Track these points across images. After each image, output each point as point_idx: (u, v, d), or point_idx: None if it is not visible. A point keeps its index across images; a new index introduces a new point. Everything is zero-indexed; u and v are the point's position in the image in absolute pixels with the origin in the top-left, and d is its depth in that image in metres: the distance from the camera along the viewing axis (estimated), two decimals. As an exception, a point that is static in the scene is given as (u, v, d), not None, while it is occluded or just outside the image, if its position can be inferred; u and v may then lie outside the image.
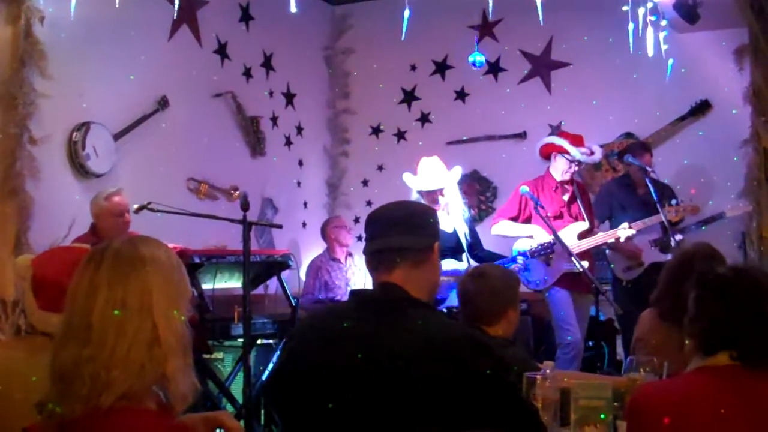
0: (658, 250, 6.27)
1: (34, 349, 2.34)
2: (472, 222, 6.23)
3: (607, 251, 6.50)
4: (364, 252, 2.36)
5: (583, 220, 6.00)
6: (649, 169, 6.18)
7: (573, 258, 5.38)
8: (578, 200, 6.06)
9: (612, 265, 6.56)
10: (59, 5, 5.21)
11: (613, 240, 5.99)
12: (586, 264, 5.74)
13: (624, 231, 5.93)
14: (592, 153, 6.02)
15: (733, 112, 6.68)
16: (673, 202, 5.94)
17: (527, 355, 4.10)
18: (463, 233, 5.85)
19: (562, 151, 5.94)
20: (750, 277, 2.18)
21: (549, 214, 5.80)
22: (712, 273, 2.24)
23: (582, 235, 5.92)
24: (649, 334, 3.57)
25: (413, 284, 2.27)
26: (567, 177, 6.00)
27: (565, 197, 6.06)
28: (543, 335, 6.58)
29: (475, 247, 5.92)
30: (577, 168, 6.04)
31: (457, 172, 5.90)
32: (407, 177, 5.88)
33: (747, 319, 2.12)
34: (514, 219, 6.10)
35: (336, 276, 7.14)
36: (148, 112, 6.17)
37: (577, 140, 6.01)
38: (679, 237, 5.88)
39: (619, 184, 6.75)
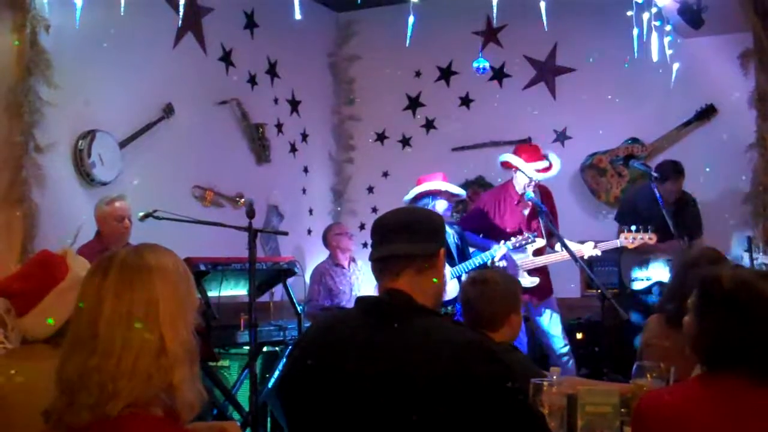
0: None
1: (36, 356, 2.34)
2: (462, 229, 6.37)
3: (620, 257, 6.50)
4: (370, 258, 2.36)
5: (541, 237, 5.99)
6: (655, 174, 6.15)
7: (579, 263, 5.39)
8: (539, 216, 6.03)
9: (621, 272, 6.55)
10: (64, 14, 5.22)
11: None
12: (537, 280, 5.86)
13: (588, 249, 5.90)
14: (550, 166, 5.99)
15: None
16: (633, 228, 5.86)
17: (531, 360, 4.10)
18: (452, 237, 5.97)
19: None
20: (754, 289, 2.10)
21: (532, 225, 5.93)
22: (714, 285, 2.16)
23: (537, 252, 5.94)
24: (655, 339, 3.56)
25: (419, 291, 2.27)
26: (529, 190, 5.97)
27: (526, 212, 6.09)
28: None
29: (464, 252, 6.02)
30: (537, 182, 6.02)
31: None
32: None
33: (752, 338, 2.06)
34: (476, 230, 6.18)
35: (340, 282, 7.14)
36: (153, 120, 6.18)
37: (533, 155, 6.00)
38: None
39: (643, 194, 6.41)
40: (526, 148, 6.16)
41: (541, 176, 5.96)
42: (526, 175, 5.92)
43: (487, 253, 5.91)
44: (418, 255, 2.30)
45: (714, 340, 2.12)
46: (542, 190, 6.13)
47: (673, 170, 6.31)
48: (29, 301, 2.40)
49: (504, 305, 3.31)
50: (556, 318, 6.10)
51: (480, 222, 6.18)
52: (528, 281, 5.90)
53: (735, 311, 2.09)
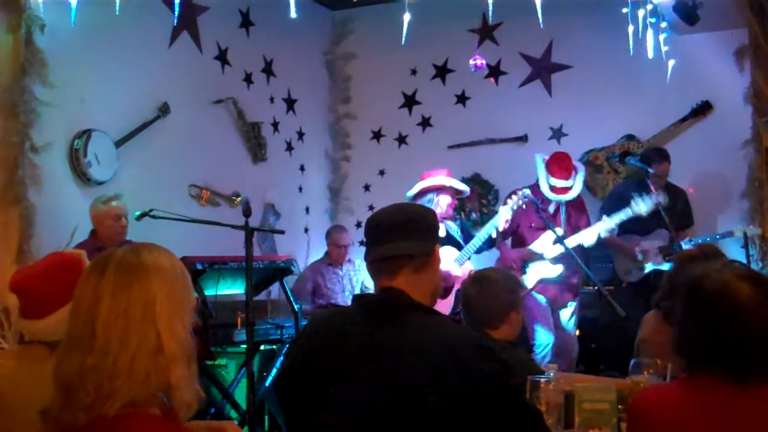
0: (662, 258, 6.26)
1: (35, 357, 2.34)
2: (463, 222, 6.44)
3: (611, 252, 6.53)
4: (366, 258, 2.36)
5: (570, 232, 6.09)
6: (651, 170, 6.16)
7: (576, 259, 5.40)
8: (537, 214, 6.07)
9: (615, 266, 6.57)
10: (60, 13, 5.21)
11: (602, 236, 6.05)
12: (560, 267, 5.88)
13: (602, 225, 6.03)
14: (567, 189, 6.04)
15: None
16: (641, 194, 5.97)
17: (530, 357, 4.11)
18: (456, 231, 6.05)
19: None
20: (733, 292, 2.07)
21: (533, 225, 5.95)
22: (697, 287, 2.14)
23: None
24: (652, 335, 3.57)
25: (415, 289, 2.27)
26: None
27: (551, 209, 6.13)
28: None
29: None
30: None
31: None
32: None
33: (729, 340, 2.04)
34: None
35: (329, 280, 7.07)
36: (149, 119, 6.17)
37: (559, 171, 6.06)
38: (687, 246, 5.87)
39: (633, 187, 6.50)
40: (555, 163, 6.11)
41: (555, 197, 6.03)
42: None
43: (489, 223, 5.90)
44: (415, 254, 2.30)
45: (693, 343, 2.12)
46: (570, 202, 6.24)
47: (657, 155, 6.42)
48: (49, 305, 2.37)
49: (503, 303, 3.32)
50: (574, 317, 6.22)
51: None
52: (552, 271, 6.00)
53: (713, 314, 2.08)
